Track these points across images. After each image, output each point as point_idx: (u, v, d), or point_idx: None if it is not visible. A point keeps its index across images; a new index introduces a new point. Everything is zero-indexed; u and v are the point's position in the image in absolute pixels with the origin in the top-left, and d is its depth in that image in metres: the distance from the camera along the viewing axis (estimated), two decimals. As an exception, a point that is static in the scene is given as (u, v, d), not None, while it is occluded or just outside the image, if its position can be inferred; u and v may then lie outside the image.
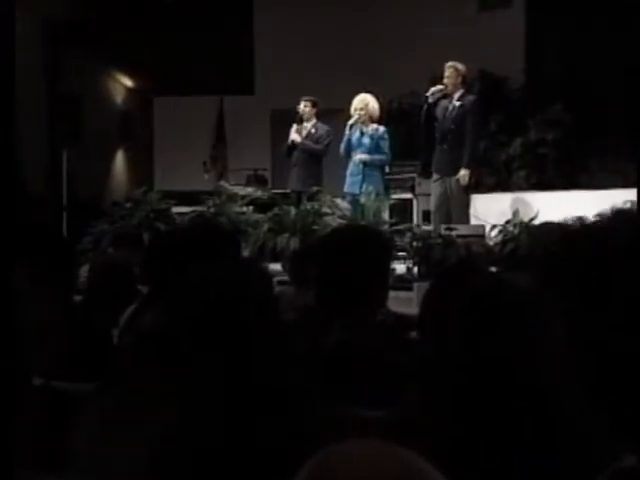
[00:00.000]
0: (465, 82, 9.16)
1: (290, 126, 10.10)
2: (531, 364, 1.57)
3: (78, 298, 4.12)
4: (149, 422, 1.87)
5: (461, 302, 1.67)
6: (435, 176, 9.13)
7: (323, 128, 10.01)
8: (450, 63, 9.11)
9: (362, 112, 9.33)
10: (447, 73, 9.09)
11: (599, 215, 2.64)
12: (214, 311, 1.92)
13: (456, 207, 8.91)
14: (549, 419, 1.55)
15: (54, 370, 2.91)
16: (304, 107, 10.01)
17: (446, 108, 9.06)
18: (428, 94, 9.16)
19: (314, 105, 10.05)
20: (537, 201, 9.53)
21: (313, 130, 9.99)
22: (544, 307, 1.63)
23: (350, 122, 9.37)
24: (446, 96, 9.13)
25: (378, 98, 9.58)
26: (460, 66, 9.09)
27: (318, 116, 10.11)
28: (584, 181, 10.82)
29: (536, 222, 8.48)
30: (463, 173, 8.85)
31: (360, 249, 2.62)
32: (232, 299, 1.94)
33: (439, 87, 9.14)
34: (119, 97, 14.17)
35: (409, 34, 12.95)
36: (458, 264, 2.39)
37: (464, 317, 1.64)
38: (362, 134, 9.36)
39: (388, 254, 2.88)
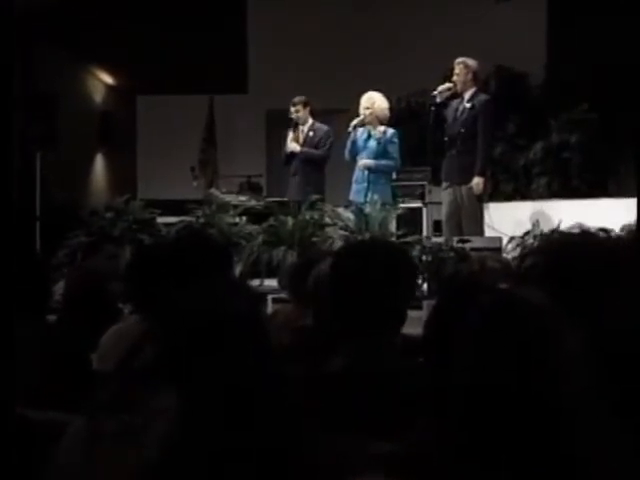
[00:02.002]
0: (477, 80, 9.15)
1: (288, 128, 10.11)
2: (545, 389, 1.58)
3: (53, 318, 4.12)
4: (145, 436, 1.92)
5: (467, 323, 1.68)
6: (444, 184, 9.14)
7: (322, 129, 10.01)
8: (459, 59, 9.08)
9: (367, 112, 9.33)
10: (456, 70, 9.08)
11: (628, 226, 2.65)
12: (199, 335, 1.95)
13: (468, 217, 8.91)
14: (567, 447, 1.56)
15: (27, 398, 2.91)
16: (296, 111, 10.02)
17: (456, 109, 9.06)
18: (435, 93, 9.16)
19: (306, 105, 10.05)
20: (559, 210, 9.53)
21: (311, 133, 9.99)
22: (559, 326, 1.64)
23: (353, 123, 9.37)
24: (457, 96, 9.13)
25: (388, 97, 9.59)
26: (471, 62, 9.07)
27: (314, 116, 10.12)
28: (612, 188, 10.83)
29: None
30: (477, 181, 8.86)
31: (388, 269, 2.62)
32: (217, 321, 1.96)
33: (447, 85, 9.14)
34: (98, 95, 14.19)
35: (418, 27, 12.98)
36: (465, 281, 2.41)
37: (470, 340, 1.65)
38: (369, 137, 9.36)
39: (414, 277, 2.89)
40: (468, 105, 9.01)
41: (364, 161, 9.32)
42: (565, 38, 12.29)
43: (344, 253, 2.85)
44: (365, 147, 9.35)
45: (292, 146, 9.95)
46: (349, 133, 9.41)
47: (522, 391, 1.58)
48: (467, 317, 1.71)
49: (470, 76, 9.04)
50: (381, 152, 9.30)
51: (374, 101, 9.36)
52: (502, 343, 1.62)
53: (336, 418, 2.26)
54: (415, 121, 11.59)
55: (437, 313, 2.32)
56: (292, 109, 10.05)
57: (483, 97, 9.13)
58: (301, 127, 10.03)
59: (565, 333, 1.65)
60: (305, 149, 9.91)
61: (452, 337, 1.73)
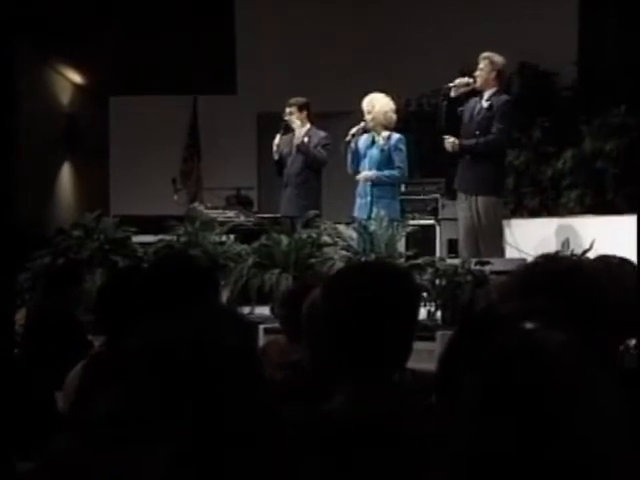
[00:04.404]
0: (500, 79, 9.16)
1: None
2: (570, 447, 1.59)
3: (12, 352, 4.13)
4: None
5: (481, 363, 1.69)
6: (460, 196, 9.12)
7: (318, 134, 10.01)
8: (485, 54, 9.10)
9: (369, 117, 9.35)
10: (481, 65, 9.08)
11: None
12: (182, 371, 1.95)
13: (485, 235, 8.88)
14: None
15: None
16: (289, 113, 10.03)
17: (473, 108, 9.07)
18: (450, 85, 9.13)
19: (302, 108, 10.05)
20: (592, 228, 9.53)
21: (306, 139, 9.98)
22: (589, 368, 1.65)
23: (351, 132, 9.37)
24: (476, 93, 9.14)
25: (393, 98, 9.59)
26: (497, 58, 9.09)
27: (311, 120, 10.13)
28: (652, 203, 10.83)
29: (591, 254, 8.47)
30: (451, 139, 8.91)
31: (383, 294, 2.63)
32: (203, 355, 1.97)
33: (466, 80, 9.14)
34: (65, 96, 14.21)
35: (429, 20, 13.01)
36: (485, 311, 2.42)
37: (484, 382, 1.66)
38: (373, 143, 9.37)
39: (417, 302, 2.89)
40: (486, 105, 9.02)
41: (364, 173, 9.32)
42: (599, 31, 12.32)
43: (336, 277, 2.86)
44: (366, 156, 9.35)
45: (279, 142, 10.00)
46: (348, 143, 9.40)
47: (540, 449, 1.59)
48: (480, 360, 1.71)
49: (494, 74, 9.06)
50: (384, 161, 9.30)
51: (374, 104, 9.36)
52: (519, 393, 1.63)
53: (335, 464, 2.28)
54: (428, 126, 11.59)
55: (452, 350, 2.33)
56: (287, 110, 10.07)
57: (504, 97, 9.15)
58: (296, 131, 10.02)
59: (597, 382, 1.65)
60: (305, 144, 9.91)
61: (465, 378, 1.74)
